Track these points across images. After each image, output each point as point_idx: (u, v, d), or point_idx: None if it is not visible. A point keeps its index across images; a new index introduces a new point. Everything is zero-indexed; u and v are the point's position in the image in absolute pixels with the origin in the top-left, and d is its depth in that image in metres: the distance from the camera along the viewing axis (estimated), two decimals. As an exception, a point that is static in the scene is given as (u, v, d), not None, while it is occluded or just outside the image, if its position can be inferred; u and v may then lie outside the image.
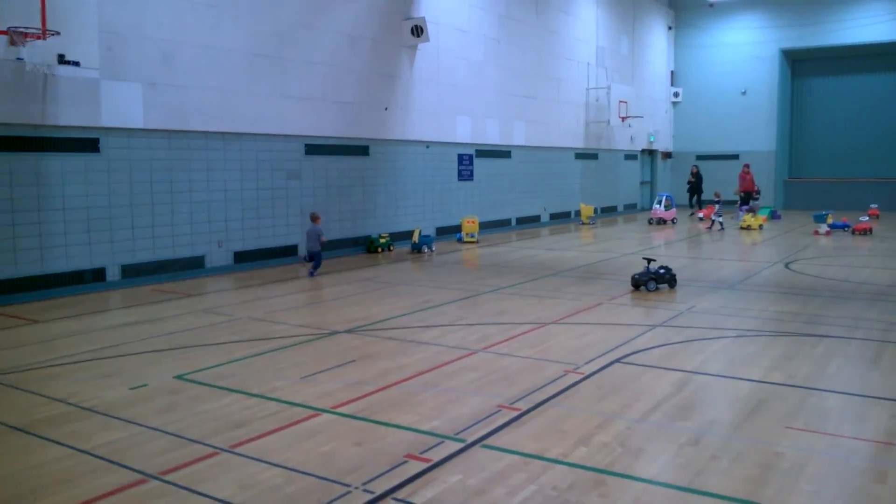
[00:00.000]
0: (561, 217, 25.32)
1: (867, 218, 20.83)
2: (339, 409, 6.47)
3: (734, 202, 25.38)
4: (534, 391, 6.90)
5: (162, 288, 13.00)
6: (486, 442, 5.70)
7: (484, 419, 6.16)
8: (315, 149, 16.42)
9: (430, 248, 17.50)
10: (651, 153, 31.26)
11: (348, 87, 16.96)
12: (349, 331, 9.57)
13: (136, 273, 13.30)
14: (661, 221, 24.98)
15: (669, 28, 31.85)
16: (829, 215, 21.00)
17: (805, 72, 31.59)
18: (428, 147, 19.43)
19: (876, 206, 25.83)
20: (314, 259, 14.23)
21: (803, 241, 19.41)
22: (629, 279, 12.49)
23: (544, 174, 24.26)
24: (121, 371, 7.81)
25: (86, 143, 12.51)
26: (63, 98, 12.12)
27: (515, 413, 6.31)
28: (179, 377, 7.56)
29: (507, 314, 10.52)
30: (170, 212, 13.79)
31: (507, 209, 22.54)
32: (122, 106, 12.88)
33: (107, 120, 12.72)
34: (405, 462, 5.34)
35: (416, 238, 17.40)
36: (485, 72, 21.29)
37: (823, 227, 20.36)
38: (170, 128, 13.65)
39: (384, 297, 11.96)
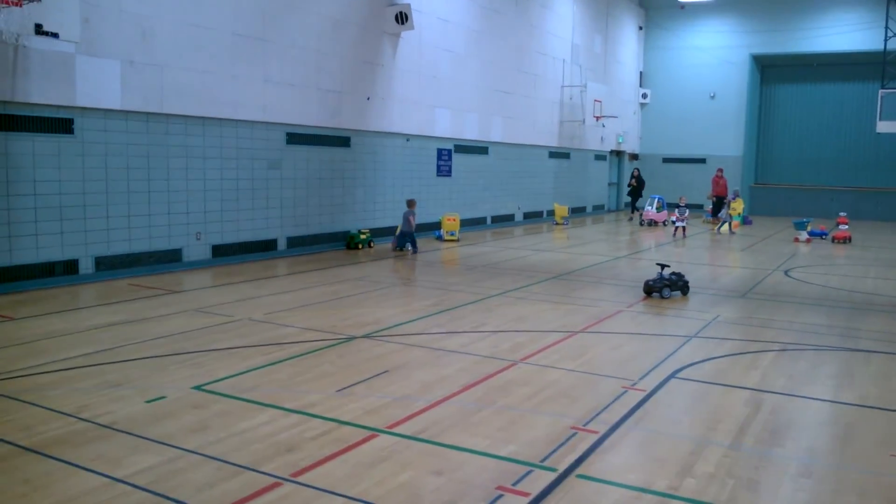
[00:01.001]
0: (533, 217, 24.80)
1: (846, 227, 20.72)
2: (396, 430, 5.76)
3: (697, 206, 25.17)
4: (601, 411, 6.28)
5: (139, 283, 12.02)
6: (579, 471, 5.07)
7: (563, 444, 5.53)
8: (296, 138, 15.54)
9: (414, 245, 16.74)
10: (619, 154, 30.98)
11: (331, 74, 16.11)
12: (367, 336, 8.82)
13: (110, 266, 12.28)
14: (653, 223, 24.72)
15: (640, 28, 31.59)
16: (809, 223, 20.85)
17: (774, 78, 31.74)
18: (408, 140, 18.69)
19: (845, 214, 25.87)
20: (407, 239, 16.08)
21: (787, 248, 19.25)
22: (637, 284, 12.00)
23: (519, 172, 23.72)
24: (128, 380, 6.93)
25: (59, 124, 11.46)
26: (35, 73, 11.06)
27: (594, 436, 5.69)
28: (198, 388, 6.74)
29: (528, 320, 9.91)
30: (146, 201, 12.79)
31: (483, 207, 21.93)
32: (98, 84, 11.85)
33: (82, 99, 11.68)
34: (501, 496, 4.67)
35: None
36: (466, 64, 20.62)
37: (804, 235, 20.22)
38: (148, 110, 12.65)
39: (386, 299, 11.25)
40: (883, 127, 24.57)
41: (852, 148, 30.30)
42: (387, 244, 17.56)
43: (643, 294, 11.79)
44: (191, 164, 13.44)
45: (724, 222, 21.67)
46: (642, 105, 31.59)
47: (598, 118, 26.00)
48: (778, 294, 12.34)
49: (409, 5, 17.43)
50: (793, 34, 28.80)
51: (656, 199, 25.52)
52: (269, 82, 14.73)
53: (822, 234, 20.73)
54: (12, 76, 10.78)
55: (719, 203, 25.94)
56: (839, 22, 28.04)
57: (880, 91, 24.77)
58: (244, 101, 14.23)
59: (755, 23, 29.54)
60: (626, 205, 27.38)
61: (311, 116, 15.78)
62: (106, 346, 8.13)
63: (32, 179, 11.18)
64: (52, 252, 11.51)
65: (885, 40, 24.85)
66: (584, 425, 5.88)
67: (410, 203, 16.48)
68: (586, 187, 28.21)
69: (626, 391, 6.80)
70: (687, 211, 21.12)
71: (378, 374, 7.26)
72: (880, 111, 24.62)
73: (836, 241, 20.19)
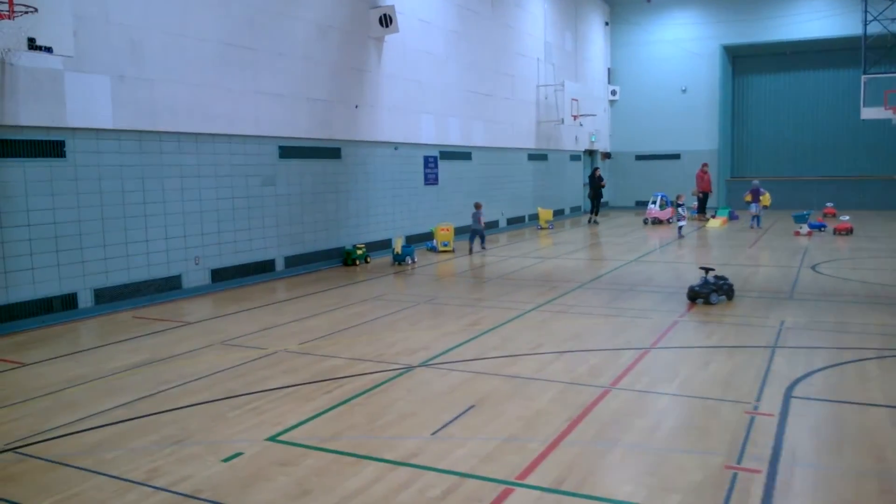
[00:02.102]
0: (516, 222, 24.26)
1: (847, 218, 20.58)
2: (530, 482, 5.09)
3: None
4: (744, 443, 5.68)
5: (143, 314, 11.12)
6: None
7: (731, 488, 4.94)
8: (289, 151, 14.73)
9: (412, 259, 16.04)
10: (591, 154, 30.63)
11: (319, 83, 15.33)
12: (425, 365, 8.12)
13: (110, 298, 11.35)
14: (657, 221, 24.45)
15: (606, 24, 31.28)
16: (810, 215, 20.67)
17: (746, 68, 31.64)
18: (396, 149, 17.98)
19: (832, 204, 25.90)
20: (476, 235, 17.84)
21: (793, 242, 18.97)
22: (671, 289, 11.57)
23: (501, 177, 23.16)
24: (188, 433, 6.15)
25: (50, 147, 10.52)
26: (23, 93, 10.11)
27: (759, 476, 5.09)
28: (274, 440, 5.99)
29: (584, 338, 9.34)
30: (143, 226, 11.87)
31: (468, 215, 21.22)
32: (89, 102, 10.94)
33: (73, 119, 10.75)
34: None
35: (398, 248, 15.90)
36: (446, 67, 19.99)
37: (804, 228, 20.01)
38: (140, 128, 11.75)
39: (417, 319, 10.59)
40: (867, 113, 24.52)
41: (833, 136, 30.23)
42: (381, 259, 16.84)
43: (687, 301, 11.23)
44: (186, 183, 12.55)
45: (682, 221, 21.13)
46: (612, 102, 31.27)
47: (575, 117, 25.56)
48: (826, 293, 11.90)
49: (393, 7, 16.75)
50: (763, 23, 28.71)
51: (660, 197, 25.10)
52: (259, 94, 13.90)
53: (821, 227, 20.53)
54: (0, 97, 9.81)
55: (705, 199, 25.74)
56: (811, 8, 28.02)
57: (863, 77, 24.71)
58: (236, 114, 13.39)
59: (724, 13, 29.38)
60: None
61: (302, 128, 14.99)
62: (143, 391, 7.30)
63: (25, 209, 10.23)
64: (50, 286, 10.55)
65: (865, 24, 24.81)
66: (739, 463, 5.29)
67: (477, 206, 18.17)
68: (564, 189, 27.80)
69: (753, 417, 6.23)
70: (686, 209, 20.76)
71: (466, 411, 6.59)
72: (864, 97, 24.54)
73: (837, 232, 19.96)
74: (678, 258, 16.51)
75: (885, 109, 24.48)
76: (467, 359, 8.37)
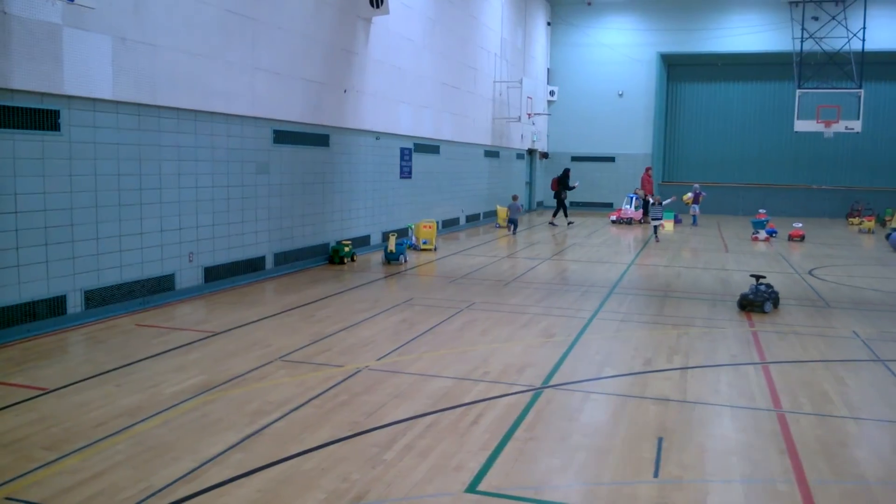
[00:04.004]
0: (472, 220, 23.15)
1: (800, 225, 20.64)
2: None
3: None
4: None
5: (146, 321, 9.39)
6: None
7: None
8: (283, 136, 13.13)
9: (405, 257, 14.70)
10: (530, 153, 29.88)
11: (313, 63, 13.78)
12: (549, 386, 6.98)
13: (101, 301, 9.52)
14: (630, 221, 24.32)
15: (548, 24, 30.62)
16: (769, 222, 20.62)
17: (681, 77, 31.77)
18: (378, 139, 16.55)
19: (764, 210, 26.16)
20: (513, 222, 21.00)
21: (759, 247, 18.89)
22: (705, 295, 11.09)
23: (462, 173, 22.02)
24: (363, 488, 4.83)
25: (44, 117, 8.65)
26: (17, 48, 8.24)
27: None
28: (474, 490, 4.72)
29: (684, 351, 8.51)
30: (138, 217, 10.09)
31: (436, 210, 20.04)
32: (88, 66, 9.12)
33: (70, 85, 8.91)
34: None
35: (392, 246, 14.49)
36: (423, 56, 18.69)
37: (762, 234, 19.93)
38: (140, 101, 9.94)
39: (479, 328, 9.37)
40: (801, 126, 24.95)
41: (756, 147, 30.83)
42: (364, 256, 15.42)
43: (738, 309, 10.53)
44: (183, 168, 10.81)
45: (658, 221, 20.67)
46: (550, 102, 30.60)
47: (529, 115, 24.71)
48: (855, 302, 11.63)
49: (384, -14, 15.29)
50: (699, 34, 28.85)
51: (634, 198, 25.00)
52: (258, 70, 12.26)
53: (772, 233, 20.47)
54: (-11, 52, 7.89)
55: (647, 202, 25.54)
56: (742, 22, 28.40)
57: (797, 91, 25.10)
58: (235, 91, 11.73)
59: (662, 21, 29.34)
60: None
61: (296, 111, 13.40)
62: (241, 426, 5.83)
63: (13, 192, 8.33)
64: (37, 288, 8.68)
65: (801, 41, 25.26)
66: None
67: (515, 197, 21.76)
68: (511, 187, 26.89)
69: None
70: (661, 211, 20.26)
71: (663, 447, 5.55)
72: (797, 111, 24.94)
73: (791, 238, 19.97)
74: (672, 261, 15.82)
75: (818, 123, 24.96)
76: (586, 378, 7.24)
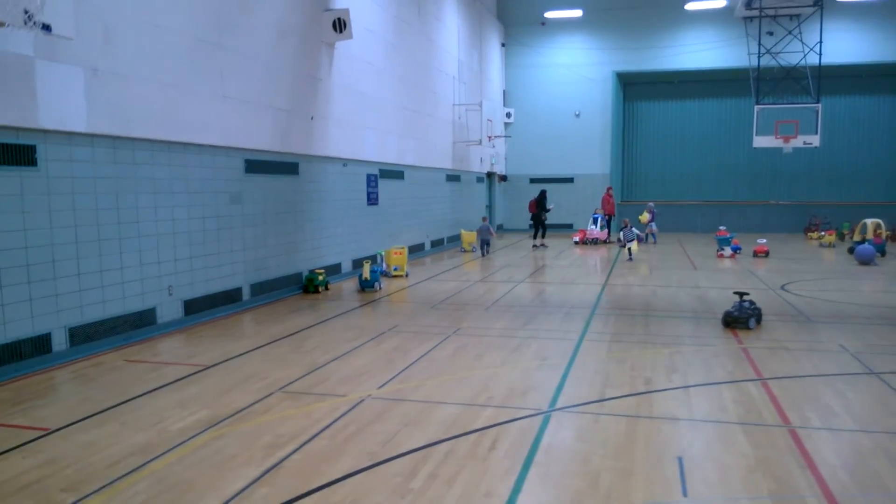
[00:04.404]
0: (436, 244, 23.14)
1: (764, 241, 21.04)
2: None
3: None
4: None
5: (134, 356, 9.19)
6: None
7: None
8: (254, 165, 13.00)
9: (380, 284, 14.64)
10: (489, 176, 30.03)
11: (279, 90, 13.70)
12: (556, 409, 6.97)
13: (85, 337, 9.30)
14: (596, 241, 24.62)
15: (503, 45, 30.90)
16: (734, 238, 20.98)
17: (638, 95, 32.21)
18: (345, 165, 16.50)
19: (724, 227, 26.66)
20: (487, 244, 21.63)
21: (726, 264, 19.18)
22: (685, 314, 11.47)
23: (426, 198, 22.01)
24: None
25: (20, 153, 8.45)
26: (-7, 83, 8.01)
27: None
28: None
29: (680, 370, 8.62)
30: (118, 251, 9.88)
31: (403, 237, 20.00)
32: (62, 99, 8.96)
33: (45, 119, 8.74)
34: None
35: (367, 274, 14.42)
36: (384, 80, 18.71)
37: (728, 251, 20.28)
38: (114, 133, 9.77)
39: (472, 353, 9.38)
40: (760, 142, 25.41)
41: (713, 164, 31.35)
42: (336, 284, 15.32)
43: (722, 326, 10.71)
44: (159, 200, 10.64)
45: (631, 241, 20.96)
46: (507, 125, 30.82)
47: (490, 138, 24.88)
48: (839, 315, 11.81)
49: (347, 11, 15.36)
50: (654, 51, 29.31)
51: (599, 218, 25.29)
52: (227, 98, 12.15)
53: (736, 249, 20.83)
54: (-33, 87, 7.70)
55: (609, 222, 25.87)
56: (700, 40, 28.89)
57: (756, 107, 25.60)
58: (206, 121, 11.60)
59: (616, 40, 29.72)
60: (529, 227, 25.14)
61: (266, 140, 13.30)
62: (258, 460, 5.74)
63: (-6, 229, 8.07)
64: (21, 327, 8.43)
65: (759, 56, 25.80)
66: None
67: (484, 219, 22.52)
68: (472, 211, 26.98)
69: None
70: (634, 231, 20.52)
71: (684, 466, 5.55)
72: (756, 126, 25.45)
73: (756, 254, 20.33)
74: (645, 280, 16.01)
75: (776, 138, 25.47)
76: (591, 400, 7.27)
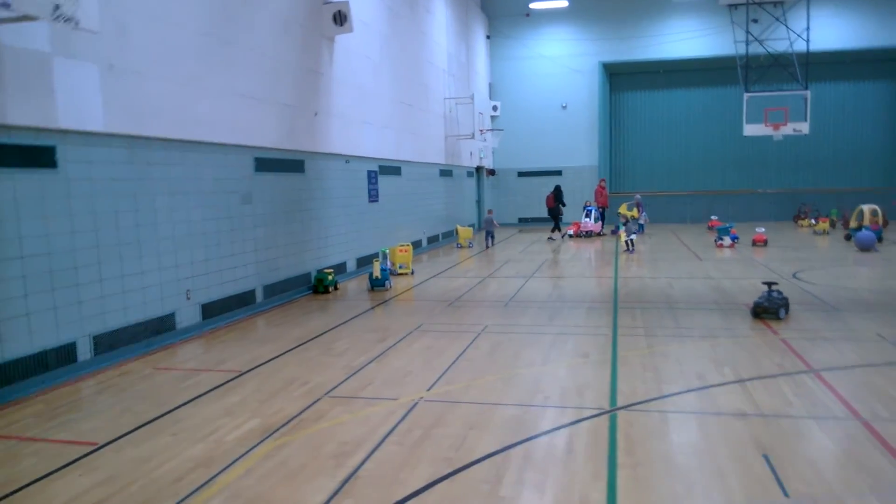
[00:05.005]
0: (433, 241, 22.89)
1: (762, 230, 21.06)
2: None
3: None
4: None
5: (162, 364, 8.86)
6: None
7: None
8: (264, 164, 12.69)
9: (390, 283, 14.39)
10: (478, 171, 29.81)
11: (284, 85, 13.39)
12: (621, 409, 6.80)
13: (108, 346, 8.97)
14: (590, 234, 24.42)
15: (488, 37, 30.65)
16: (733, 228, 21.00)
17: (624, 86, 32.06)
18: (348, 162, 16.21)
19: (716, 217, 26.80)
20: (491, 236, 22.62)
21: (728, 253, 19.17)
22: (706, 305, 11.46)
23: (422, 193, 21.76)
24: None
25: (39, 154, 8.09)
26: (10, 80, 7.71)
27: None
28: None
29: (731, 362, 8.48)
30: (138, 255, 9.54)
31: (401, 233, 19.75)
32: (78, 97, 8.60)
33: (64, 118, 8.37)
34: None
35: (377, 272, 14.16)
36: (381, 74, 18.43)
37: (727, 240, 20.28)
38: (130, 132, 9.42)
39: (510, 350, 9.17)
40: (750, 130, 25.40)
41: (700, 153, 31.30)
42: (343, 283, 15.03)
43: (752, 316, 10.61)
44: (174, 202, 10.30)
45: (630, 233, 20.94)
46: (493, 118, 30.60)
47: (482, 131, 24.64)
48: (862, 303, 11.75)
49: (347, 3, 15.05)
50: (639, 41, 29.20)
51: (593, 211, 25.07)
52: (237, 95, 11.83)
53: (734, 238, 20.85)
54: (-12, 86, 7.34)
55: (602, 214, 25.78)
56: (685, 28, 28.83)
57: (745, 95, 25.59)
58: (217, 118, 11.28)
59: (601, 31, 29.57)
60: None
61: (273, 137, 12.98)
62: (334, 473, 5.50)
63: (18, 236, 7.75)
64: (47, 336, 8.08)
65: (746, 44, 25.79)
66: None
67: (490, 211, 23.79)
68: (463, 206, 26.77)
69: None
70: (635, 224, 20.46)
71: (773, 464, 5.45)
72: (745, 114, 25.45)
73: (755, 243, 20.35)
74: (654, 272, 15.91)
75: (766, 126, 25.49)
76: (651, 398, 7.10)
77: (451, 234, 24.26)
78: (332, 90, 15.36)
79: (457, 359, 8.73)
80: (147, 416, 6.87)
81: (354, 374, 8.18)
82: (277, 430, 6.38)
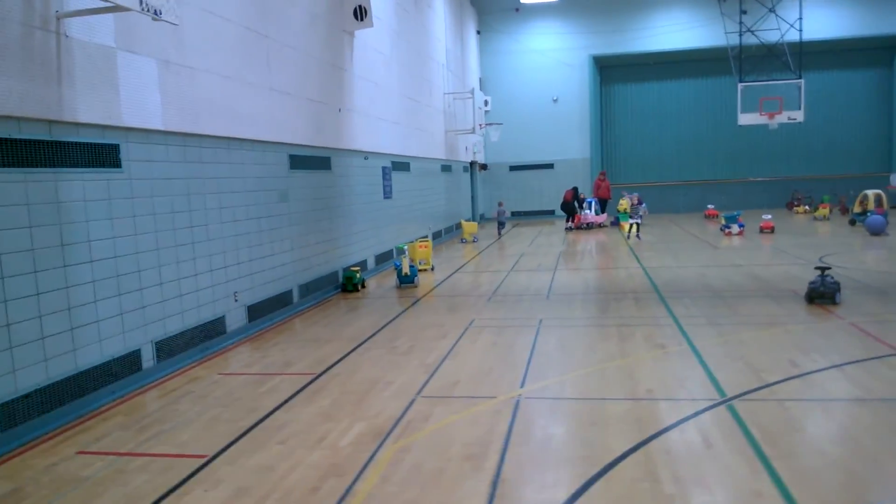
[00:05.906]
0: (436, 236, 22.70)
1: (769, 217, 21.19)
2: None
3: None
4: None
5: (224, 369, 8.62)
6: None
7: None
8: (297, 161, 12.42)
9: (418, 279, 14.21)
10: (472, 165, 29.64)
11: (313, 81, 13.11)
12: (735, 398, 6.67)
13: (168, 352, 8.68)
14: (590, 226, 24.36)
15: (478, 32, 30.49)
16: (740, 216, 21.10)
17: (615, 78, 32.10)
18: (366, 158, 15.95)
19: (713, 206, 26.95)
20: (502, 225, 24.34)
21: (739, 240, 19.35)
22: (766, 293, 11.34)
23: (428, 189, 21.56)
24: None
25: (105, 153, 7.76)
26: (80, 77, 7.36)
27: None
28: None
29: (805, 352, 8.36)
30: (192, 257, 9.25)
31: (411, 229, 19.53)
32: (140, 94, 8.29)
33: (128, 115, 8.06)
34: None
35: (406, 269, 13.95)
36: (392, 70, 18.18)
37: (736, 228, 20.39)
38: (185, 130, 9.12)
39: (582, 344, 9.03)
40: (745, 119, 25.54)
41: (691, 144, 31.46)
42: (367, 280, 14.79)
43: (806, 301, 10.61)
44: (223, 201, 10.01)
45: (632, 224, 21.03)
46: (485, 113, 30.39)
47: (482, 126, 24.48)
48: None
49: (368, -1, 14.75)
50: (629, 34, 29.24)
51: (593, 202, 25.03)
52: (273, 91, 11.55)
53: (740, 226, 20.97)
54: (57, 82, 7.04)
55: (603, 206, 25.79)
56: (675, 20, 28.92)
57: (739, 85, 25.71)
58: (257, 115, 11.00)
59: (591, 24, 29.57)
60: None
61: (304, 133, 12.72)
62: (475, 476, 5.35)
63: (87, 240, 7.43)
64: (115, 344, 7.77)
65: (740, 35, 25.89)
66: None
67: (501, 203, 25.13)
68: (462, 201, 26.60)
69: None
70: (639, 212, 20.48)
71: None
72: (740, 104, 25.57)
73: (762, 230, 20.48)
74: (679, 262, 15.85)
75: (761, 116, 25.65)
76: (757, 386, 7.02)
77: (451, 230, 24.08)
78: (353, 86, 15.11)
79: (532, 354, 8.57)
80: (242, 423, 6.61)
81: (435, 373, 7.99)
82: (389, 433, 6.17)
